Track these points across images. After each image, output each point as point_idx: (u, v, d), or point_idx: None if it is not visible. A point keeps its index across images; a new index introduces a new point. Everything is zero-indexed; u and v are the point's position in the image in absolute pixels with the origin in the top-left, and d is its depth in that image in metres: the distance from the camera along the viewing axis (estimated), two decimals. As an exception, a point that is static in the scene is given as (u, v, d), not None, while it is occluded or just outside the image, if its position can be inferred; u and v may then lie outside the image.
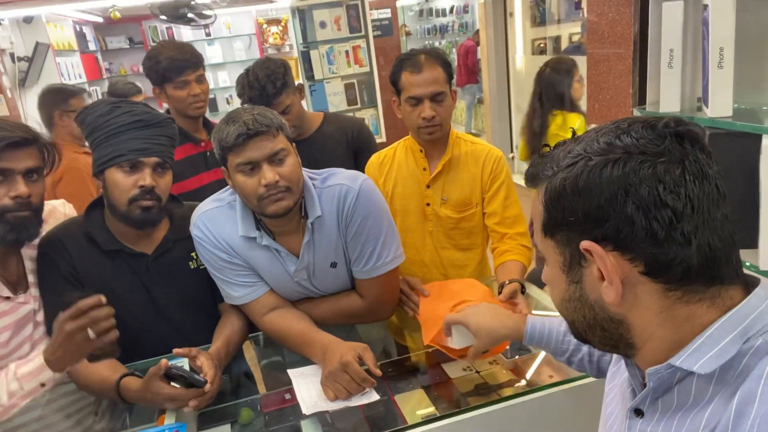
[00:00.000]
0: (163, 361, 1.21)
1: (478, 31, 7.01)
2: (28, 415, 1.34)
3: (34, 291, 1.40)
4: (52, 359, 1.20)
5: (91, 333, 1.14)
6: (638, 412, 0.69)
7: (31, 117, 4.69)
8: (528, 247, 1.71)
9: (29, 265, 1.41)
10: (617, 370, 0.83)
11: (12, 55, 4.69)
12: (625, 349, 0.68)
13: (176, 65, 2.05)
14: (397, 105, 1.77)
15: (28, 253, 1.42)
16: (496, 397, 1.28)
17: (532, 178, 0.70)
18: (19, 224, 1.28)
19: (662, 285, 0.61)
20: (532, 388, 1.24)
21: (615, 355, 0.88)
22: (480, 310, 1.23)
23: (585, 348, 1.05)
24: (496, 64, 6.31)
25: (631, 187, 0.59)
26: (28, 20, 4.90)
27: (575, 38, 4.81)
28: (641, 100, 1.97)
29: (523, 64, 5.88)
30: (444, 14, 10.19)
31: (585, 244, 0.62)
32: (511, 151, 6.35)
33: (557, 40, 5.29)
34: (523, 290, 1.54)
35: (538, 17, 5.56)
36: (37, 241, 1.43)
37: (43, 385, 1.23)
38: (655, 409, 0.67)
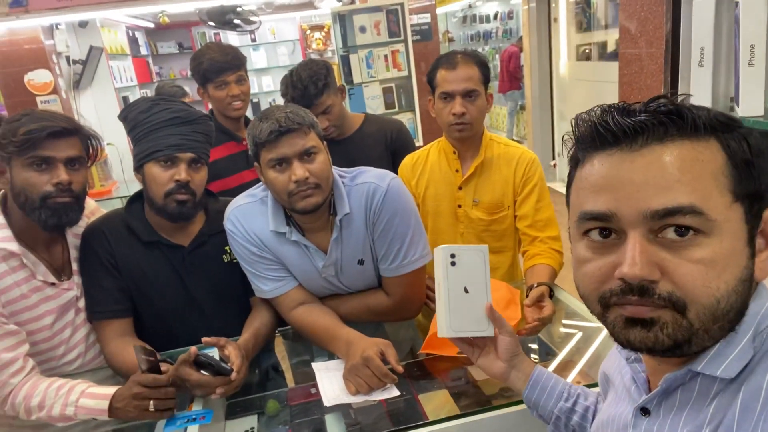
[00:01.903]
0: (193, 348, 1.25)
1: (522, 37, 6.95)
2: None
3: (77, 278, 1.47)
4: (114, 407, 1.24)
5: (151, 406, 1.19)
6: (644, 411, 0.67)
7: (84, 117, 4.91)
8: (559, 251, 1.69)
9: (74, 253, 1.48)
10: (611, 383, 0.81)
11: (68, 58, 4.93)
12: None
13: (216, 66, 2.11)
14: (432, 104, 1.78)
15: (74, 241, 1.49)
16: (520, 399, 1.27)
17: (675, 118, 0.60)
18: (59, 209, 1.34)
19: None
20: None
21: (601, 374, 0.86)
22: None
23: (582, 409, 0.99)
24: (540, 70, 6.25)
25: None
26: (83, 25, 5.14)
27: (621, 43, 4.70)
28: (672, 100, 1.91)
29: (567, 70, 5.79)
30: (488, 20, 10.13)
31: None
32: (553, 158, 6.25)
33: (603, 45, 5.20)
34: (551, 294, 1.52)
35: (584, 23, 5.47)
36: (84, 223, 1.50)
37: (95, 419, 1.27)
38: (661, 407, 0.66)
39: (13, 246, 1.34)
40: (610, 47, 5.09)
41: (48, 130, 1.31)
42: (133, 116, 1.43)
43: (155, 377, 1.20)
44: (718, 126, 0.60)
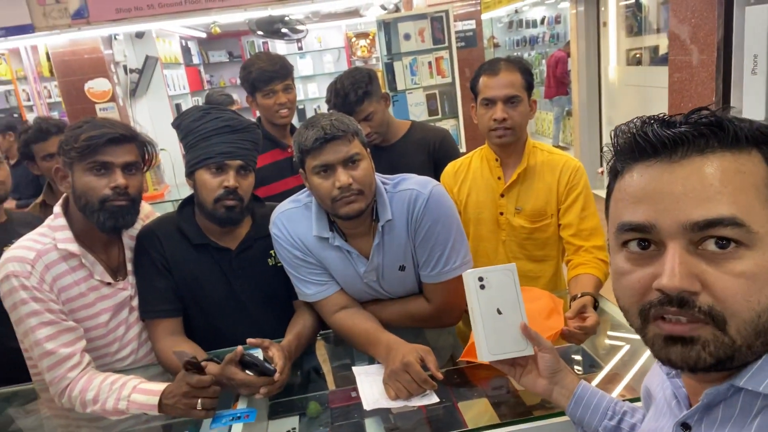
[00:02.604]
0: (240, 347, 1.29)
1: (569, 42, 6.83)
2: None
3: (131, 278, 1.54)
4: (164, 403, 1.29)
5: (199, 404, 1.24)
6: (685, 426, 0.66)
7: (140, 124, 5.12)
8: (605, 261, 1.65)
9: (129, 255, 1.55)
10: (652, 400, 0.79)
11: (125, 67, 5.15)
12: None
13: (265, 75, 2.18)
14: (474, 111, 1.78)
15: (129, 243, 1.56)
16: (562, 411, 1.25)
17: (721, 131, 0.59)
18: (116, 212, 1.41)
19: None
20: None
21: (643, 388, 0.85)
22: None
23: (628, 427, 0.96)
24: (587, 75, 6.12)
25: None
26: (140, 35, 5.37)
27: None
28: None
29: (617, 75, 5.66)
30: (534, 25, 10.00)
31: None
32: (601, 165, 6.11)
33: (655, 50, 5.06)
34: (596, 305, 1.49)
35: (635, 26, 5.34)
36: (136, 232, 1.57)
37: (145, 414, 1.32)
38: (702, 423, 0.64)
39: (74, 247, 1.42)
40: (662, 51, 4.95)
41: (107, 137, 1.38)
42: (185, 124, 1.50)
43: (200, 378, 1.24)
44: (761, 138, 0.59)
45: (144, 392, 1.31)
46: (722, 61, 1.70)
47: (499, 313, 1.03)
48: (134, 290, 1.54)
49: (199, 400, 1.24)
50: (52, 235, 1.42)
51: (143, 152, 1.48)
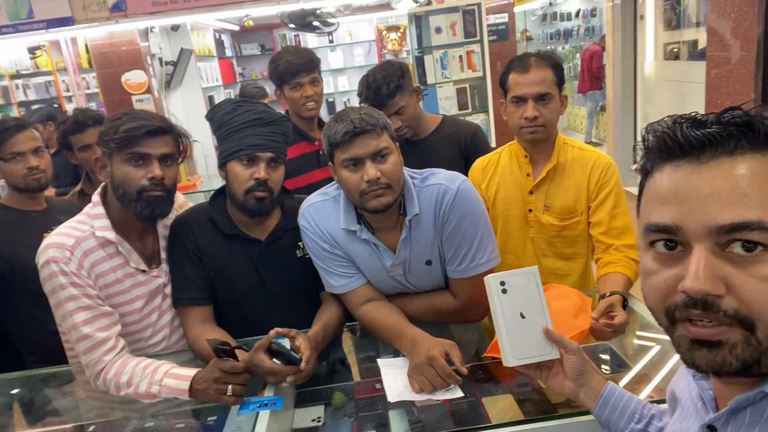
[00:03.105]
0: (272, 332, 1.32)
1: (605, 35, 6.68)
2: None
3: (165, 267, 1.58)
4: (194, 388, 1.32)
5: (230, 390, 1.27)
6: (711, 429, 0.65)
7: (174, 115, 5.22)
8: (635, 260, 1.62)
9: (163, 243, 1.59)
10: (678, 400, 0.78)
11: (160, 60, 5.25)
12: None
13: (292, 69, 2.20)
14: (504, 107, 1.76)
15: (163, 232, 1.60)
16: (586, 409, 1.24)
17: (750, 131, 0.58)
18: (153, 202, 1.45)
19: None
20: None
21: (669, 391, 0.83)
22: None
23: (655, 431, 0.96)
24: (623, 70, 5.99)
25: None
26: (175, 28, 5.46)
27: (713, 42, 4.42)
28: (763, 106, 1.78)
29: (653, 69, 5.52)
30: (569, 18, 9.80)
31: None
32: (634, 162, 5.96)
33: (694, 44, 4.91)
34: (625, 305, 1.47)
35: (674, 20, 5.19)
36: (170, 222, 1.61)
37: (176, 397, 1.36)
38: (729, 426, 0.63)
39: (111, 234, 1.46)
40: (701, 45, 4.80)
41: (145, 129, 1.41)
42: (218, 117, 1.52)
43: (233, 364, 1.27)
44: None
45: (175, 377, 1.35)
46: (762, 57, 1.64)
47: (523, 317, 1.02)
48: (168, 278, 1.58)
49: (230, 386, 1.26)
50: (91, 222, 1.47)
51: (178, 144, 1.52)
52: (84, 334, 1.40)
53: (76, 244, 1.42)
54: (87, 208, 1.51)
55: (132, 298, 1.50)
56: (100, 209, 1.49)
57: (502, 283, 1.02)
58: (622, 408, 0.97)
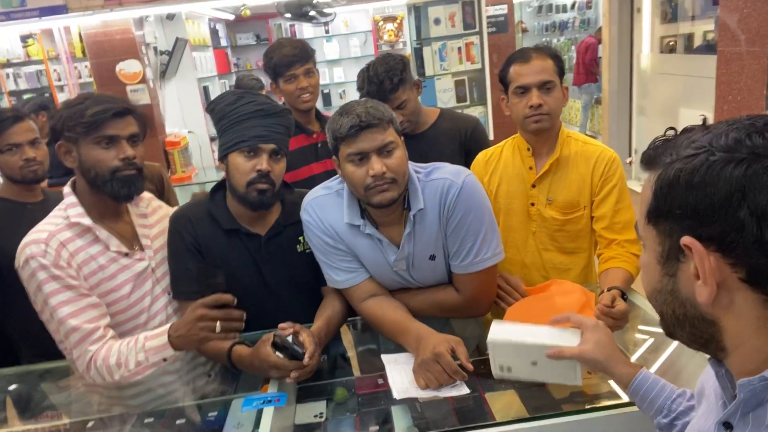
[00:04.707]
0: (282, 324, 1.31)
1: (600, 28, 6.67)
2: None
3: (149, 252, 1.57)
4: (174, 337, 1.33)
5: (218, 327, 1.25)
6: (727, 425, 0.65)
7: (169, 104, 5.16)
8: (637, 255, 1.62)
9: (138, 222, 1.59)
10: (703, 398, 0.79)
11: (155, 49, 5.18)
12: (716, 350, 0.66)
13: (285, 60, 2.17)
14: (505, 102, 1.75)
15: (136, 211, 1.60)
16: (590, 407, 1.24)
17: (648, 162, 0.67)
18: (128, 180, 1.46)
19: (762, 295, 0.58)
20: (631, 401, 1.18)
21: (699, 384, 0.84)
22: (596, 345, 1.10)
23: (681, 425, 0.96)
24: (619, 63, 5.97)
25: (749, 191, 0.55)
26: (170, 17, 5.38)
27: (710, 36, 4.43)
28: (775, 103, 1.77)
29: (650, 62, 5.51)
30: (564, 10, 9.78)
31: (686, 239, 0.60)
32: (629, 155, 5.98)
33: (690, 38, 4.91)
34: (624, 298, 1.47)
35: (670, 13, 5.18)
36: (143, 203, 1.62)
37: (165, 359, 1.37)
38: (745, 424, 0.63)
39: (86, 220, 1.47)
40: (698, 40, 4.80)
41: (112, 111, 1.42)
42: (219, 108, 1.50)
43: (219, 296, 1.25)
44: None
45: (154, 336, 1.37)
46: (774, 52, 1.64)
47: (534, 364, 1.16)
48: (155, 263, 1.57)
49: (218, 323, 1.24)
50: (65, 213, 1.47)
51: (142, 123, 1.52)
52: (71, 327, 1.39)
53: (51, 236, 1.43)
54: (60, 204, 1.52)
55: (119, 284, 1.50)
56: (72, 198, 1.49)
57: (502, 369, 1.19)
58: (650, 401, 1.00)
